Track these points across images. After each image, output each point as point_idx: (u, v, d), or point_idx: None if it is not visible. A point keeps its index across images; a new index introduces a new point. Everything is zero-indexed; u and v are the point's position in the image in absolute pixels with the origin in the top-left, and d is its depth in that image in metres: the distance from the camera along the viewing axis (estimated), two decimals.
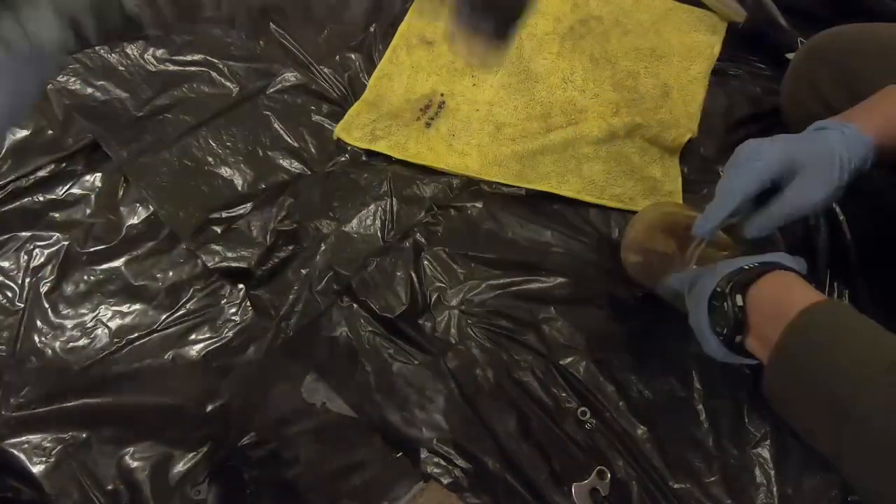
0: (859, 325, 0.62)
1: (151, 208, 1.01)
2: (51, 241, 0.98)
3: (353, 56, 1.16)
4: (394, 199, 1.01)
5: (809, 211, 0.73)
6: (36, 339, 0.92)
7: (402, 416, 0.87)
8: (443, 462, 0.84)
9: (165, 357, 0.91)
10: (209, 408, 0.88)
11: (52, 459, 0.84)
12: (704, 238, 0.78)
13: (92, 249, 0.98)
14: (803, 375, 0.61)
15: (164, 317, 0.93)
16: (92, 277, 0.96)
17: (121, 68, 1.13)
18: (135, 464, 0.84)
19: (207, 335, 0.92)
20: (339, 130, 1.07)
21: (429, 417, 0.87)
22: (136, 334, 0.92)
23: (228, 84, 1.13)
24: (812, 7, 1.06)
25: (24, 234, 0.99)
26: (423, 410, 0.87)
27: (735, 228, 0.79)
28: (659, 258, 0.89)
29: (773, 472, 0.84)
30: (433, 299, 0.94)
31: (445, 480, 0.83)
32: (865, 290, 0.96)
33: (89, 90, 1.11)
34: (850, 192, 0.73)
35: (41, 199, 1.02)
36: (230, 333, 0.92)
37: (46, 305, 0.93)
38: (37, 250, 0.97)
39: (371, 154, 1.06)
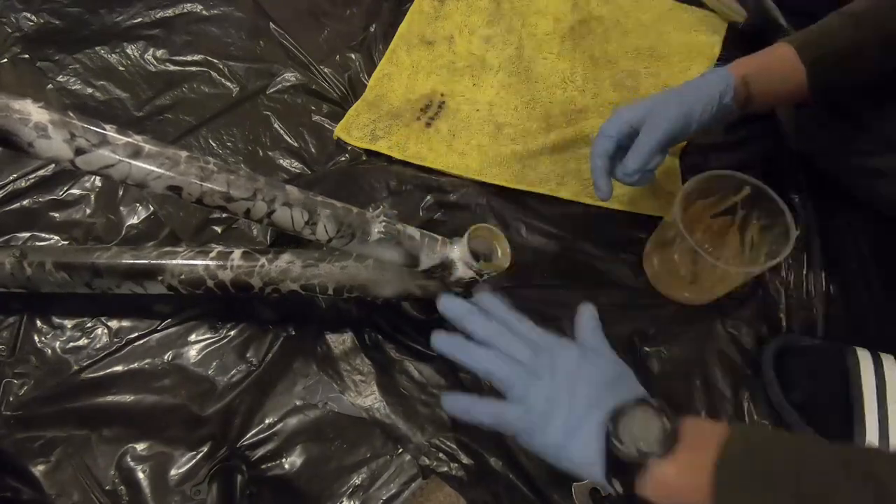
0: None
1: (151, 208, 1.01)
2: (50, 241, 0.98)
3: (353, 56, 1.16)
4: (394, 199, 1.01)
5: (667, 132, 0.82)
6: (36, 339, 0.92)
7: (404, 413, 0.87)
8: (444, 458, 0.84)
9: (165, 357, 0.91)
10: (209, 408, 0.87)
11: (52, 459, 0.84)
12: (605, 199, 0.88)
13: None
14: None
15: (164, 317, 0.93)
16: None
17: (121, 68, 1.13)
18: (135, 464, 0.84)
19: (207, 335, 0.92)
20: (339, 130, 1.07)
21: (431, 413, 0.87)
22: (135, 334, 0.92)
23: (228, 84, 1.13)
24: (812, 7, 1.05)
25: (23, 234, 0.99)
26: (426, 407, 0.87)
27: None
28: (669, 265, 0.91)
29: None
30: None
31: (447, 477, 0.83)
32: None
33: (89, 90, 1.11)
34: None
35: (41, 199, 1.02)
36: (230, 333, 0.92)
37: (46, 305, 0.93)
38: None
39: (371, 154, 1.06)
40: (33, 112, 0.56)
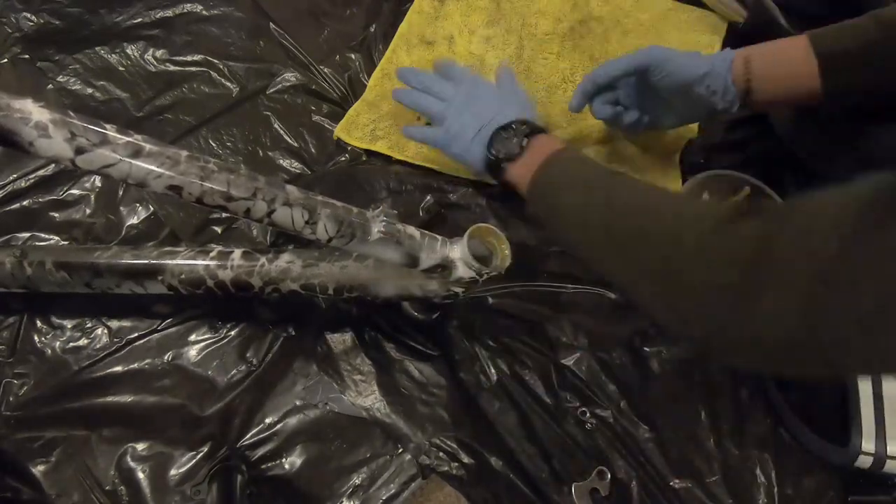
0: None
1: (151, 208, 1.01)
2: (50, 241, 0.98)
3: (353, 56, 1.16)
4: (394, 199, 1.01)
5: (650, 58, 0.87)
6: (36, 339, 0.92)
7: (404, 412, 0.87)
8: (445, 457, 0.84)
9: (165, 357, 0.91)
10: (209, 408, 0.88)
11: (52, 459, 0.84)
12: (573, 111, 0.96)
13: None
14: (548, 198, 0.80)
15: (164, 317, 0.93)
16: None
17: (121, 68, 1.13)
18: (135, 464, 0.84)
19: (207, 335, 0.92)
20: (339, 130, 1.07)
21: (432, 413, 0.87)
22: (135, 334, 0.92)
23: (228, 84, 1.13)
24: (812, 7, 1.05)
25: (23, 234, 0.99)
26: (426, 406, 0.87)
27: None
28: None
29: (773, 472, 0.84)
30: None
31: (447, 476, 0.83)
32: None
33: (89, 90, 1.11)
34: None
35: (41, 199, 1.02)
36: (230, 333, 0.92)
37: (46, 305, 0.93)
38: None
39: (371, 154, 1.06)
40: (34, 111, 0.56)
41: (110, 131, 0.59)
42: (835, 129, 0.92)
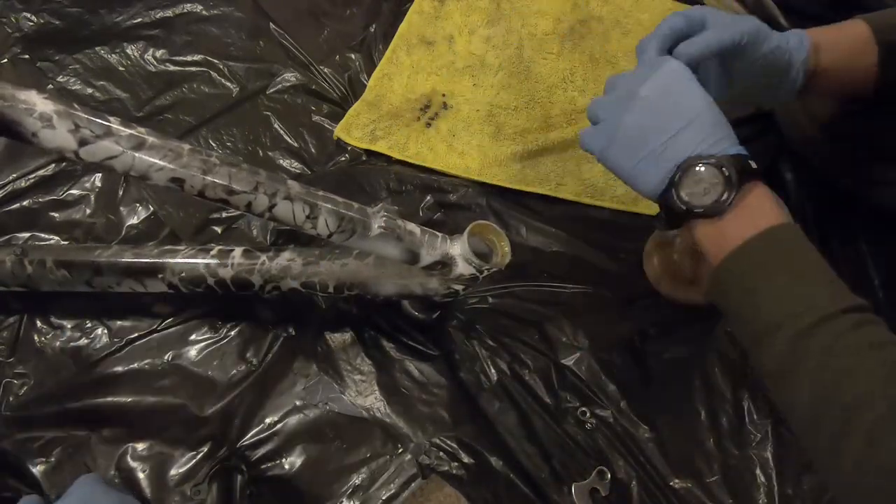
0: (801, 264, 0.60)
1: (151, 208, 1.01)
2: (50, 241, 0.98)
3: (353, 56, 1.16)
4: (394, 200, 1.01)
5: (736, 34, 0.70)
6: (36, 339, 0.92)
7: (405, 412, 0.87)
8: (445, 457, 0.84)
9: (165, 357, 0.90)
10: (209, 408, 0.87)
11: (52, 459, 0.84)
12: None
13: None
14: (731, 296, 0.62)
15: (164, 317, 0.93)
16: None
17: (121, 68, 1.13)
18: (135, 464, 0.84)
19: (207, 335, 0.92)
20: (339, 130, 1.07)
21: (432, 413, 0.87)
22: (136, 334, 0.92)
23: (228, 84, 1.13)
24: (812, 7, 1.06)
25: (23, 234, 0.99)
26: (426, 406, 0.87)
27: None
28: (669, 265, 0.90)
29: (773, 472, 0.84)
30: None
31: (447, 476, 0.83)
32: None
33: (89, 90, 1.11)
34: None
35: (41, 199, 1.02)
36: (230, 333, 0.92)
37: (46, 305, 0.93)
38: None
39: (371, 154, 1.06)
40: (38, 102, 0.56)
41: (114, 123, 0.59)
42: (852, 126, 0.92)
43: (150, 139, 0.60)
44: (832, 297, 0.57)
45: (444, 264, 0.75)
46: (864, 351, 0.53)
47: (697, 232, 0.64)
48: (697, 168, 0.62)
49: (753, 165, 0.63)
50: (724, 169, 0.61)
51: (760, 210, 0.62)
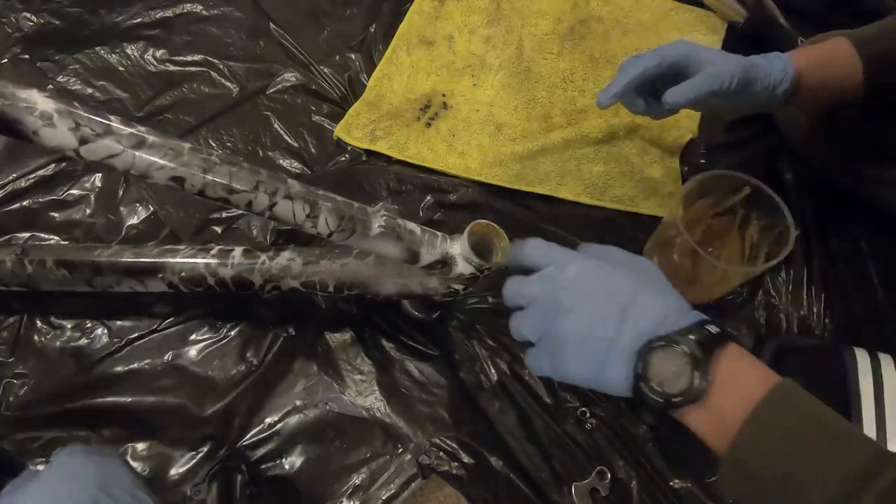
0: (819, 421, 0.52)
1: (151, 208, 1.00)
2: (50, 241, 0.98)
3: (353, 56, 1.16)
4: (394, 200, 1.01)
5: (725, 80, 0.77)
6: (36, 339, 0.91)
7: (405, 412, 0.87)
8: (445, 457, 0.84)
9: (165, 357, 0.90)
10: (209, 408, 0.87)
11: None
12: (601, 107, 0.84)
13: None
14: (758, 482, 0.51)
15: (163, 317, 0.93)
16: None
17: (121, 68, 1.13)
18: (135, 464, 0.84)
19: (207, 335, 0.92)
20: (339, 130, 1.07)
21: (432, 413, 0.87)
22: (136, 334, 0.92)
23: (228, 84, 1.13)
24: (812, 7, 1.06)
25: (23, 234, 0.99)
26: (426, 406, 0.87)
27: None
28: (669, 265, 0.90)
29: None
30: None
31: (447, 476, 0.83)
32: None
33: (89, 90, 1.11)
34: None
35: (41, 199, 1.02)
36: (230, 333, 0.92)
37: (46, 305, 0.93)
38: None
39: (371, 154, 1.06)
40: (39, 101, 0.56)
41: (114, 122, 0.59)
42: (850, 126, 0.92)
43: (151, 138, 0.60)
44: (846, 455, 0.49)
45: (444, 263, 0.75)
46: None
47: (690, 422, 0.55)
48: (656, 355, 0.54)
49: (713, 330, 0.55)
50: (682, 346, 0.53)
51: (745, 376, 0.54)
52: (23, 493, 0.60)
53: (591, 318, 0.58)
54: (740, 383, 0.53)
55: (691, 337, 0.54)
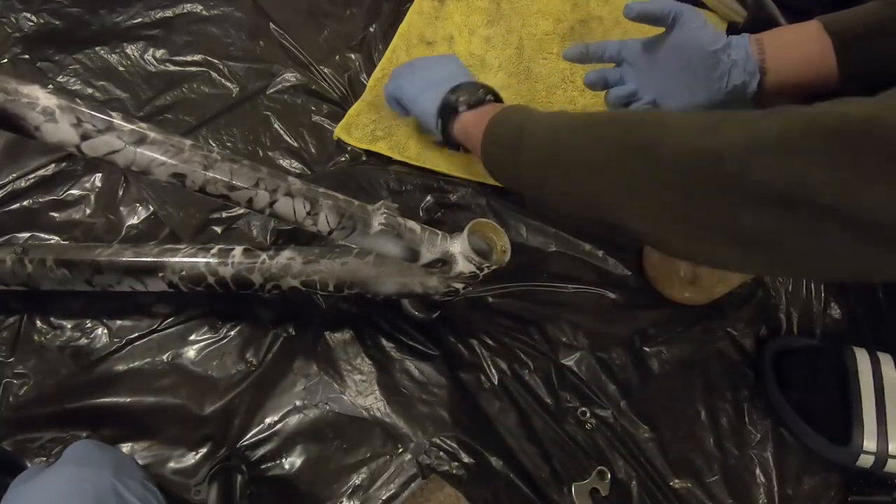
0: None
1: (151, 208, 1.00)
2: (50, 241, 0.98)
3: (353, 56, 1.16)
4: (394, 200, 1.01)
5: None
6: (36, 339, 0.91)
7: (405, 412, 0.87)
8: (445, 457, 0.84)
9: (165, 357, 0.90)
10: (209, 408, 0.87)
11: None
12: (568, 59, 0.95)
13: None
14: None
15: (163, 317, 0.93)
16: None
17: (121, 68, 1.13)
18: None
19: (207, 335, 0.92)
20: (339, 131, 1.07)
21: (432, 413, 0.87)
22: (135, 334, 0.92)
23: (228, 84, 1.12)
24: (812, 7, 1.06)
25: (23, 234, 0.99)
26: (426, 406, 0.87)
27: None
28: (669, 265, 0.91)
29: (773, 472, 0.84)
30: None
31: (447, 476, 0.83)
32: None
33: (89, 90, 1.11)
34: None
35: (41, 199, 1.02)
36: (230, 333, 0.92)
37: (46, 305, 0.93)
38: None
39: (371, 154, 1.06)
40: (41, 97, 0.56)
41: (116, 118, 0.59)
42: None
43: (152, 134, 0.60)
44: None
45: (445, 262, 0.75)
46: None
47: (464, 121, 0.87)
48: (461, 86, 0.90)
49: (490, 90, 0.90)
50: (476, 85, 0.90)
51: (501, 105, 0.87)
52: (43, 478, 0.61)
53: (424, 81, 0.95)
54: (499, 106, 0.85)
55: (482, 89, 0.89)
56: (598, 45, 0.91)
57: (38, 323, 0.92)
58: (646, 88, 0.89)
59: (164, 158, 0.60)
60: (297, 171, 1.04)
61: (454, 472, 0.83)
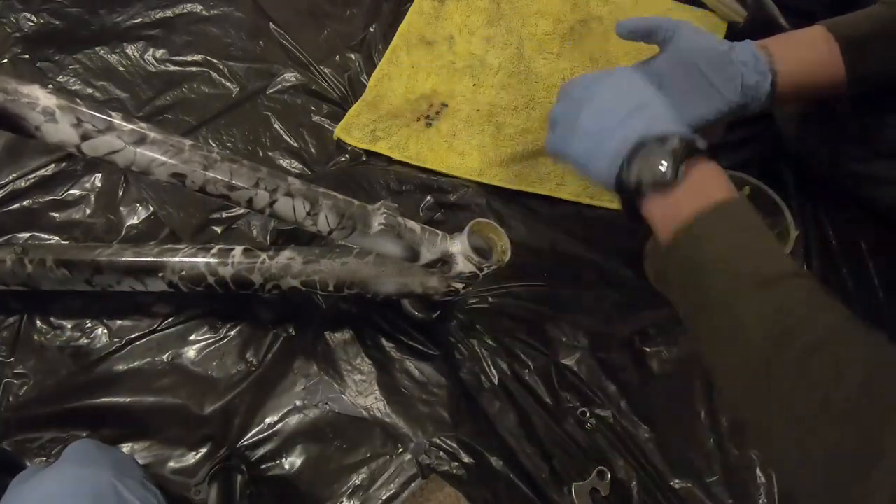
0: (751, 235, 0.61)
1: (151, 208, 1.00)
2: (50, 241, 0.98)
3: (353, 56, 1.16)
4: (394, 200, 1.01)
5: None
6: (36, 339, 0.91)
7: (405, 412, 0.87)
8: (445, 457, 0.84)
9: (165, 357, 0.90)
10: (209, 408, 0.87)
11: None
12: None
13: None
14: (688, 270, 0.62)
15: (163, 317, 0.93)
16: None
17: (121, 68, 1.13)
18: None
19: (207, 335, 0.92)
20: (339, 131, 1.07)
21: (432, 413, 0.87)
22: (135, 334, 0.92)
23: (228, 84, 1.12)
24: (812, 7, 1.06)
25: (23, 234, 0.99)
26: (426, 406, 0.87)
27: None
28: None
29: (773, 472, 0.84)
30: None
31: (448, 476, 0.83)
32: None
33: (89, 90, 1.11)
34: None
35: (41, 199, 1.02)
36: (230, 333, 0.92)
37: (46, 305, 0.93)
38: None
39: (371, 154, 1.06)
40: (41, 97, 0.56)
41: (116, 119, 0.59)
42: (844, 124, 0.92)
43: (152, 134, 0.60)
44: (778, 261, 0.58)
45: (445, 262, 0.75)
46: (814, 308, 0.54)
47: (650, 210, 0.65)
48: (645, 146, 0.64)
49: (701, 145, 0.63)
50: (668, 143, 0.62)
51: (712, 184, 0.63)
52: (42, 477, 0.61)
53: (610, 108, 0.69)
54: (706, 187, 0.62)
55: (677, 138, 0.63)
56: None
57: (38, 323, 0.92)
58: None
59: (164, 158, 0.60)
60: (297, 171, 1.04)
61: (454, 472, 0.83)
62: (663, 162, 0.62)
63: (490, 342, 0.91)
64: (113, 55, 1.15)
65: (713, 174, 0.63)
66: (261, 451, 0.85)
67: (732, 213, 0.61)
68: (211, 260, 0.82)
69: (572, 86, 0.75)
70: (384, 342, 0.91)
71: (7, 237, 0.98)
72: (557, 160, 0.81)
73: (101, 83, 1.12)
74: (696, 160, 0.63)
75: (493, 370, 0.89)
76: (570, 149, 0.71)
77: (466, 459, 0.84)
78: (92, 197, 1.02)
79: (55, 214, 1.00)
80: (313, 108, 1.11)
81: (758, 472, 0.84)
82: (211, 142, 1.06)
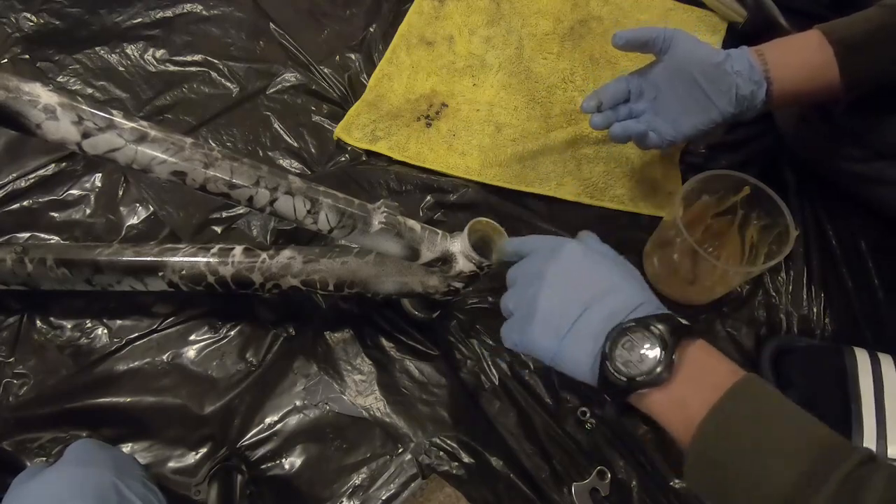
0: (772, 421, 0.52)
1: (151, 208, 1.00)
2: (50, 241, 0.98)
3: (353, 56, 1.16)
4: (394, 200, 1.01)
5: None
6: (36, 339, 0.91)
7: (405, 412, 0.87)
8: (445, 457, 0.84)
9: (165, 357, 0.90)
10: (209, 408, 0.87)
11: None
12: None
13: None
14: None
15: (163, 317, 0.93)
16: None
17: (121, 68, 1.13)
18: None
19: (207, 335, 0.92)
20: (339, 131, 1.07)
21: (432, 413, 0.87)
22: (135, 334, 0.92)
23: (228, 84, 1.13)
24: (812, 7, 1.06)
25: (23, 234, 0.99)
26: (426, 406, 0.87)
27: None
28: (669, 265, 0.90)
29: None
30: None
31: (448, 476, 0.83)
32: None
33: (89, 90, 1.11)
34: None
35: (41, 199, 1.02)
36: (230, 333, 0.92)
37: (46, 305, 0.93)
38: None
39: (371, 154, 1.06)
40: (42, 94, 0.56)
41: (116, 116, 0.59)
42: (842, 125, 0.92)
43: (153, 132, 0.60)
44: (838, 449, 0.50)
45: (445, 261, 0.75)
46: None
47: (651, 406, 0.57)
48: (626, 335, 0.56)
49: (682, 321, 0.57)
50: (652, 328, 0.55)
51: (711, 367, 0.56)
52: (43, 477, 0.61)
53: (567, 295, 0.61)
54: (706, 373, 0.55)
55: (661, 323, 0.56)
56: (605, 90, 0.88)
57: (38, 323, 0.92)
58: (655, 116, 0.89)
59: (164, 156, 0.60)
60: (297, 171, 1.04)
61: (454, 472, 0.83)
62: (653, 352, 0.55)
63: (490, 342, 0.91)
64: (113, 55, 1.15)
65: (706, 353, 0.57)
66: (261, 451, 0.85)
67: (751, 400, 0.53)
68: (211, 259, 0.82)
69: (519, 271, 0.67)
70: (384, 342, 0.91)
71: (7, 237, 0.98)
72: (518, 351, 0.75)
73: (101, 83, 1.12)
74: (682, 340, 0.56)
75: (493, 370, 0.89)
76: (532, 341, 0.62)
77: (466, 459, 0.84)
78: (92, 197, 1.02)
79: (55, 214, 1.00)
80: (313, 108, 1.11)
81: None
82: (211, 142, 1.06)
